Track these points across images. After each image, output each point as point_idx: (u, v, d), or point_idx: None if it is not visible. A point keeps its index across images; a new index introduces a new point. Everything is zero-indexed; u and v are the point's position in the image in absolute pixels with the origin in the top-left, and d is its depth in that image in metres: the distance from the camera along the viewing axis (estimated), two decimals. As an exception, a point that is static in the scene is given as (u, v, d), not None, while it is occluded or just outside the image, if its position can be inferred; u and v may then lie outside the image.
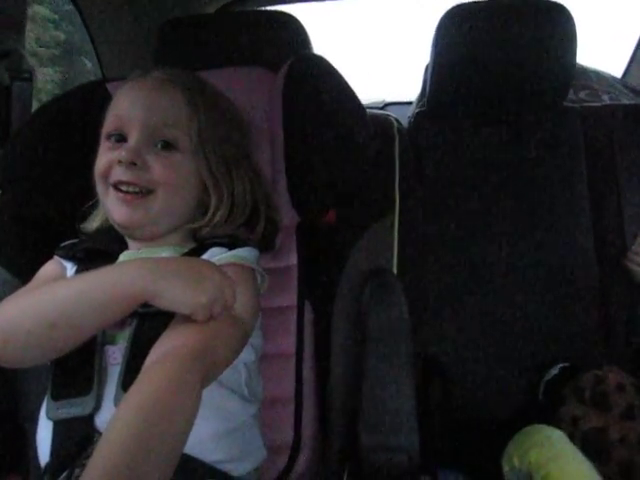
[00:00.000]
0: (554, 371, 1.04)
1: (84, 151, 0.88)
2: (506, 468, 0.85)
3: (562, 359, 1.07)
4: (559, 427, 0.89)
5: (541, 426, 0.86)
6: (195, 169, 0.77)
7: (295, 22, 1.15)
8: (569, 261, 1.13)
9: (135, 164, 0.73)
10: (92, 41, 1.60)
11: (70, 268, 0.79)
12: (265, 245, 0.83)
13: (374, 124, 0.90)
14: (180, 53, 1.12)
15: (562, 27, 1.09)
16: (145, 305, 0.70)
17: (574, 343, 1.11)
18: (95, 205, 0.84)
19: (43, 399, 0.74)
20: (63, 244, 0.82)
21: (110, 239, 0.81)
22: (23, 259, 0.90)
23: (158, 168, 0.74)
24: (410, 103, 1.70)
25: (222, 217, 0.78)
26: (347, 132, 0.86)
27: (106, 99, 0.94)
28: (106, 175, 0.75)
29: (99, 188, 0.77)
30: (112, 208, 0.75)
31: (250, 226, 0.81)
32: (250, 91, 0.93)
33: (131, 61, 1.55)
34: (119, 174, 0.74)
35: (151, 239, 0.78)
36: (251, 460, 0.74)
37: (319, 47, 1.22)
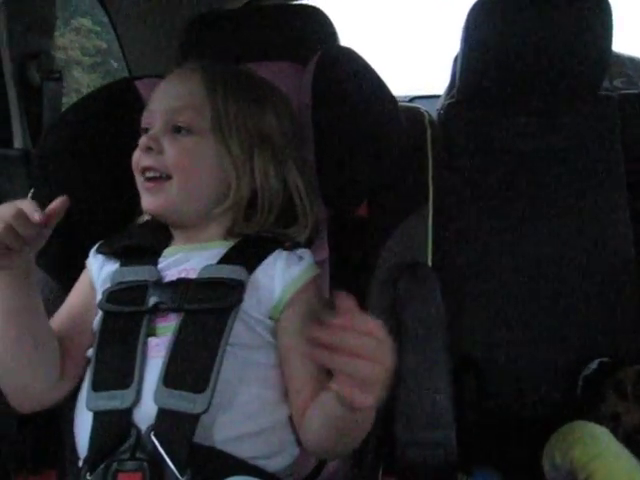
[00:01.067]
0: (593, 366, 1.01)
1: (115, 147, 0.88)
2: (547, 465, 0.83)
3: (600, 354, 1.04)
4: (599, 424, 0.87)
5: (584, 422, 0.84)
6: (215, 152, 0.77)
7: (322, 15, 1.14)
8: (607, 253, 1.10)
9: (151, 148, 0.75)
10: (119, 40, 1.61)
11: (108, 260, 0.79)
12: (309, 242, 0.82)
13: (405, 116, 0.88)
14: (207, 50, 1.12)
15: (598, 14, 1.06)
16: (191, 301, 0.70)
17: (613, 337, 1.08)
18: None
19: (77, 393, 0.74)
20: (102, 241, 0.82)
21: (155, 234, 0.81)
22: (57, 258, 0.90)
23: (172, 152, 0.75)
24: (435, 96, 1.68)
25: (241, 198, 0.77)
26: (378, 124, 0.85)
27: (134, 96, 0.95)
28: (136, 164, 0.78)
29: (136, 179, 0.79)
30: (142, 197, 0.78)
31: (298, 222, 0.80)
32: (279, 85, 0.92)
33: (158, 59, 1.55)
34: (140, 160, 0.77)
35: (187, 227, 0.79)
36: (285, 456, 0.74)
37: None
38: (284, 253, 0.76)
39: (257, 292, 0.73)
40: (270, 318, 0.74)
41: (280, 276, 0.74)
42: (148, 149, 0.76)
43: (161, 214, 0.78)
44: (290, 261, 0.75)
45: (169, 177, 0.75)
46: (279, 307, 0.73)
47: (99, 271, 0.80)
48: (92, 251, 0.82)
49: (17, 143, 1.29)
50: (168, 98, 0.78)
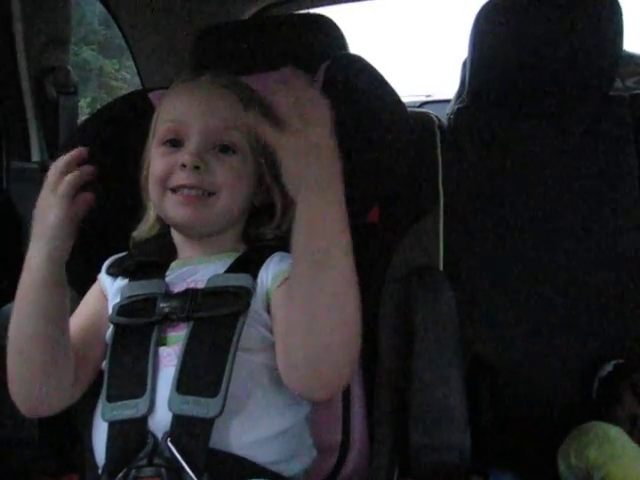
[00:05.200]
0: (608, 367, 1.01)
1: (130, 159, 0.90)
2: (562, 466, 0.83)
3: (616, 355, 1.03)
4: (616, 425, 0.86)
5: (599, 423, 0.83)
6: (254, 172, 0.79)
7: (331, 24, 1.15)
8: (621, 256, 1.09)
9: (198, 167, 0.74)
10: (131, 52, 1.64)
11: (119, 280, 0.81)
12: None
13: (415, 121, 0.89)
14: (217, 60, 1.13)
15: (608, 14, 1.06)
16: (200, 310, 0.71)
17: (628, 339, 1.07)
18: (143, 213, 0.85)
19: (97, 401, 0.76)
20: (111, 259, 0.84)
21: (160, 249, 0.82)
22: (74, 269, 0.91)
23: (220, 171, 0.75)
24: (446, 101, 1.69)
25: (289, 219, 0.78)
26: (387, 131, 0.85)
27: (149, 108, 0.96)
28: (165, 179, 0.76)
29: (154, 193, 0.78)
30: (172, 210, 0.76)
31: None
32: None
33: (168, 70, 1.57)
34: (182, 178, 0.75)
35: (204, 238, 0.79)
36: (301, 461, 0.75)
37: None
38: (282, 253, 0.77)
39: (258, 292, 0.74)
40: (267, 312, 0.74)
41: (272, 269, 0.75)
42: (196, 167, 0.74)
43: (193, 227, 0.77)
44: (285, 258, 0.76)
45: (212, 194, 0.75)
46: (270, 294, 0.74)
47: (111, 286, 0.81)
48: (105, 265, 0.84)
49: (35, 156, 1.31)
50: (207, 114, 0.76)
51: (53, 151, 1.30)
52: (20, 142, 1.28)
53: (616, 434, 0.81)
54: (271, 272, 0.75)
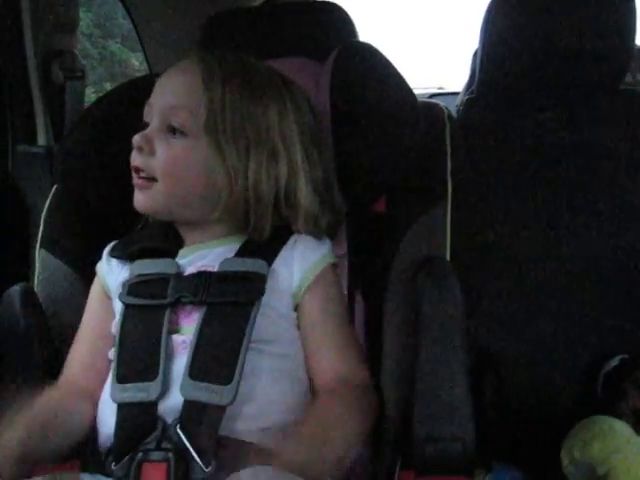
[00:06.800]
0: (613, 363, 1.00)
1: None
2: (565, 461, 0.82)
3: (621, 350, 1.03)
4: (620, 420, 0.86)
5: (603, 417, 0.83)
6: (207, 157, 0.73)
7: (341, 11, 1.14)
8: (627, 248, 1.08)
9: (142, 149, 0.74)
10: (139, 37, 1.63)
11: (122, 266, 0.79)
12: (329, 234, 0.82)
13: (424, 111, 0.88)
14: (226, 47, 1.12)
15: (621, 7, 1.04)
16: (214, 294, 0.71)
17: (634, 334, 1.06)
18: None
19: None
20: (115, 242, 0.83)
21: (166, 235, 0.80)
22: (79, 252, 0.92)
23: (162, 157, 0.73)
24: (455, 93, 1.68)
25: (235, 203, 0.74)
26: (396, 120, 0.85)
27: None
28: (132, 162, 0.77)
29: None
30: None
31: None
32: (298, 81, 0.93)
33: (178, 56, 1.57)
34: (133, 159, 0.75)
35: (184, 225, 0.78)
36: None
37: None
38: (301, 238, 0.76)
39: (277, 283, 0.73)
40: (294, 310, 0.74)
41: (299, 263, 0.74)
42: (139, 149, 0.74)
43: (148, 213, 0.78)
44: (307, 247, 0.75)
45: (155, 179, 0.74)
46: (299, 293, 0.74)
47: (115, 278, 0.79)
48: (105, 254, 0.82)
49: (41, 140, 1.31)
50: (166, 94, 0.75)
51: (59, 135, 1.30)
52: (26, 126, 1.28)
53: (621, 428, 0.81)
54: (297, 268, 0.74)
